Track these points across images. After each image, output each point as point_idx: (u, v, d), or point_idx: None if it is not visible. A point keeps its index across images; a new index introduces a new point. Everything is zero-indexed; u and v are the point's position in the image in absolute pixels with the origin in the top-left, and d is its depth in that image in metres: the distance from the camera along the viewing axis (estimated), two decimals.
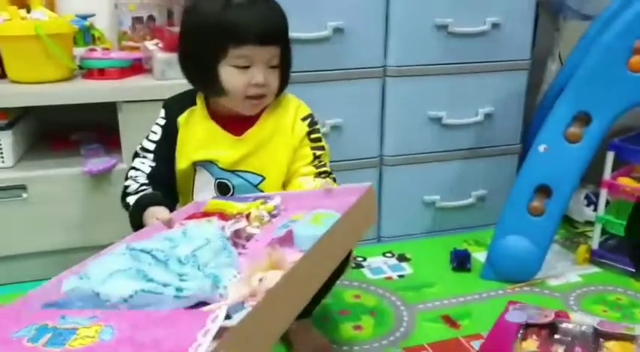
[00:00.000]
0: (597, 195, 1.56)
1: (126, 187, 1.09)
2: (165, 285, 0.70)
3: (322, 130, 1.49)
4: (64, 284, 0.73)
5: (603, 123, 1.38)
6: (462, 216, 1.72)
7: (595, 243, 1.54)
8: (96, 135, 1.57)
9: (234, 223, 0.93)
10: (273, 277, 0.70)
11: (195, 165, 1.13)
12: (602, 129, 1.38)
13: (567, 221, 1.77)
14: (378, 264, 1.56)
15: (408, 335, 1.25)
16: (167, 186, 1.12)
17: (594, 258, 1.54)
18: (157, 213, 0.98)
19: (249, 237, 0.93)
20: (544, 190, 1.43)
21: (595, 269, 1.53)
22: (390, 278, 1.50)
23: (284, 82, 1.11)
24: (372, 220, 1.00)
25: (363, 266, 1.55)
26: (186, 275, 0.73)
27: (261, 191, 1.12)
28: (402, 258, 1.59)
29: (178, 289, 0.70)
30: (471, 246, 1.64)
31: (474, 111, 1.65)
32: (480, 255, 1.56)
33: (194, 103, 1.13)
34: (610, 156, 1.47)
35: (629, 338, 1.14)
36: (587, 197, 1.74)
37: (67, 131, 1.60)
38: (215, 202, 1.05)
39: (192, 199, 1.14)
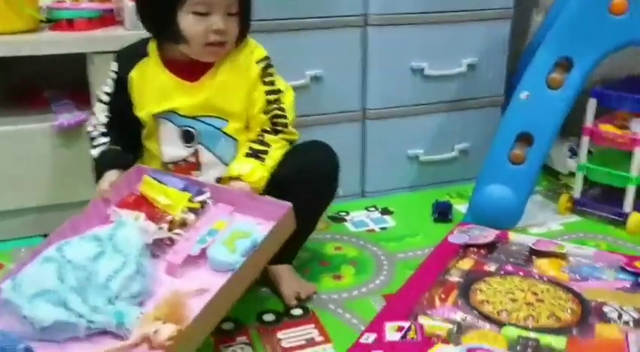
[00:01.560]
0: None
1: (89, 133, 1.16)
2: (79, 316, 0.87)
3: (302, 82, 1.49)
4: (2, 288, 0.90)
5: (584, 68, 1.36)
6: (445, 170, 1.71)
7: (577, 192, 1.54)
8: (68, 93, 1.54)
9: (158, 231, 1.02)
10: (166, 332, 0.82)
11: (157, 117, 1.13)
12: (583, 75, 1.36)
13: (551, 173, 1.77)
14: (360, 218, 1.56)
15: (388, 283, 1.25)
16: (125, 136, 1.15)
17: (576, 207, 1.54)
18: (103, 182, 1.09)
19: (171, 242, 1.03)
20: (525, 138, 1.42)
21: (576, 218, 1.52)
22: (372, 230, 1.49)
23: (244, 29, 1.11)
24: (290, 231, 1.06)
25: (345, 220, 1.54)
26: (97, 308, 0.89)
27: (228, 135, 1.13)
28: (385, 212, 1.59)
29: (90, 321, 0.87)
30: (453, 198, 1.64)
31: (457, 61, 1.63)
32: (461, 207, 1.55)
33: (146, 54, 1.12)
34: (592, 103, 1.46)
35: (559, 256, 1.22)
36: (570, 149, 1.73)
37: (39, 89, 1.56)
38: (150, 183, 1.09)
39: (160, 150, 1.15)
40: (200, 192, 1.08)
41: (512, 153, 1.42)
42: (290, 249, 1.13)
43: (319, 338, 1.08)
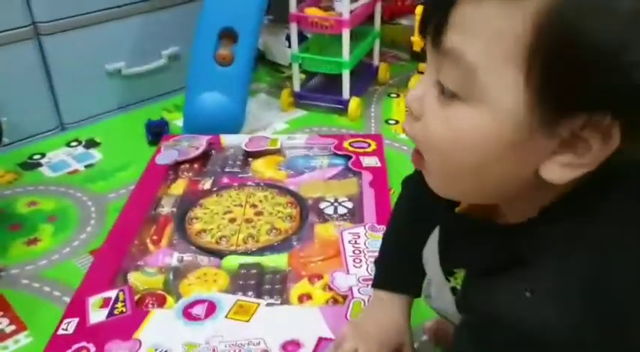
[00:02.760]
0: None
1: None
2: None
3: None
4: None
5: None
6: (155, 82, 1.49)
7: (296, 85, 1.45)
8: None
9: None
10: None
11: None
12: None
13: (273, 67, 1.66)
14: (60, 158, 1.28)
15: (96, 235, 1.04)
16: None
17: (299, 100, 1.46)
18: None
19: None
20: (229, 35, 1.25)
21: (301, 113, 1.45)
22: (75, 171, 1.23)
23: None
24: None
25: (41, 165, 1.25)
26: None
27: None
28: (90, 144, 1.33)
29: None
30: (171, 112, 1.44)
31: None
32: (181, 122, 1.36)
33: None
34: None
35: (274, 152, 1.17)
36: (287, 37, 1.63)
37: None
38: None
39: None
40: None
41: (218, 53, 1.25)
42: None
43: (10, 328, 0.85)
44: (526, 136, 0.36)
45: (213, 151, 1.20)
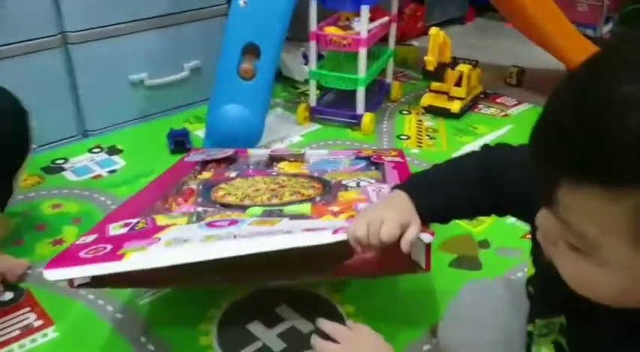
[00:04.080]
0: None
1: None
2: None
3: None
4: None
5: None
6: (177, 93, 1.54)
7: (312, 100, 1.50)
8: None
9: None
10: None
11: None
12: None
13: (289, 83, 1.72)
14: (83, 163, 1.32)
15: None
16: None
17: (314, 115, 1.51)
18: None
19: None
20: (252, 50, 1.30)
21: (316, 127, 1.50)
22: (99, 176, 1.27)
23: None
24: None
25: (64, 170, 1.29)
26: None
27: None
28: (112, 151, 1.37)
29: None
30: (192, 123, 1.49)
31: None
32: (201, 132, 1.41)
33: None
34: (313, 6, 1.39)
35: (298, 158, 1.18)
36: (304, 55, 1.69)
37: None
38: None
39: None
40: None
41: (241, 68, 1.29)
42: None
43: (38, 323, 0.89)
44: None
45: (239, 158, 1.19)
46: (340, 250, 0.69)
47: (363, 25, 1.36)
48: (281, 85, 1.70)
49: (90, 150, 1.37)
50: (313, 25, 1.40)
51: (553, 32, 1.56)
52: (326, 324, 0.63)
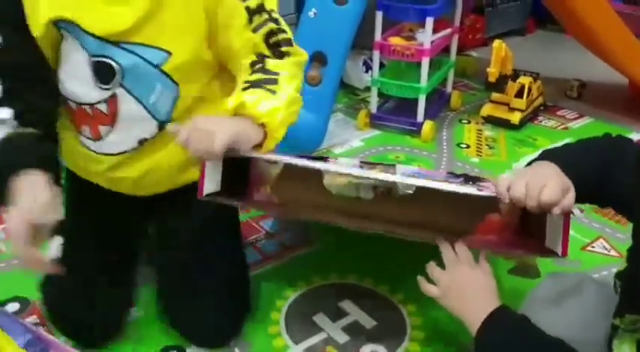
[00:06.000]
0: None
1: None
2: None
3: None
4: None
5: None
6: None
7: (373, 107, 1.55)
8: None
9: None
10: None
11: (57, 26, 0.72)
12: None
13: (350, 89, 1.77)
14: None
15: None
16: (38, 80, 0.73)
17: (374, 121, 1.56)
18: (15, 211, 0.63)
19: None
20: (319, 58, 1.36)
21: (376, 132, 1.55)
22: None
23: None
24: None
25: None
26: None
27: (168, 77, 0.74)
28: None
29: None
30: None
31: None
32: None
33: None
34: (379, 17, 1.44)
35: (389, 169, 1.16)
36: (365, 63, 1.74)
37: None
38: None
39: (62, 86, 0.75)
40: None
41: (309, 74, 1.36)
42: None
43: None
44: None
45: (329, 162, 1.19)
46: (476, 212, 0.73)
47: (427, 36, 1.40)
48: (342, 91, 1.76)
49: None
50: (378, 36, 1.45)
51: (615, 45, 1.56)
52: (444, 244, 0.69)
